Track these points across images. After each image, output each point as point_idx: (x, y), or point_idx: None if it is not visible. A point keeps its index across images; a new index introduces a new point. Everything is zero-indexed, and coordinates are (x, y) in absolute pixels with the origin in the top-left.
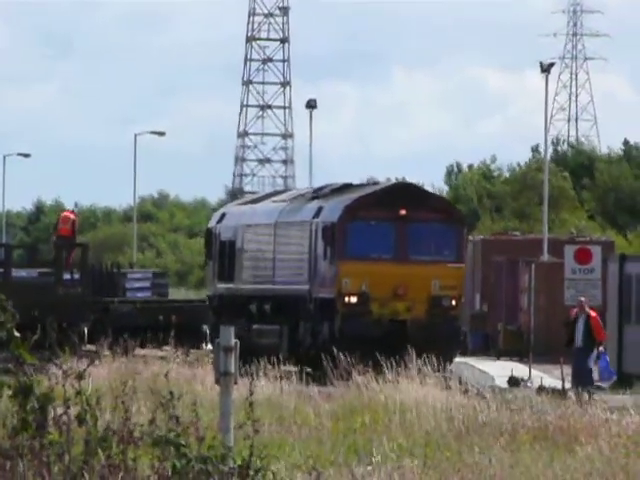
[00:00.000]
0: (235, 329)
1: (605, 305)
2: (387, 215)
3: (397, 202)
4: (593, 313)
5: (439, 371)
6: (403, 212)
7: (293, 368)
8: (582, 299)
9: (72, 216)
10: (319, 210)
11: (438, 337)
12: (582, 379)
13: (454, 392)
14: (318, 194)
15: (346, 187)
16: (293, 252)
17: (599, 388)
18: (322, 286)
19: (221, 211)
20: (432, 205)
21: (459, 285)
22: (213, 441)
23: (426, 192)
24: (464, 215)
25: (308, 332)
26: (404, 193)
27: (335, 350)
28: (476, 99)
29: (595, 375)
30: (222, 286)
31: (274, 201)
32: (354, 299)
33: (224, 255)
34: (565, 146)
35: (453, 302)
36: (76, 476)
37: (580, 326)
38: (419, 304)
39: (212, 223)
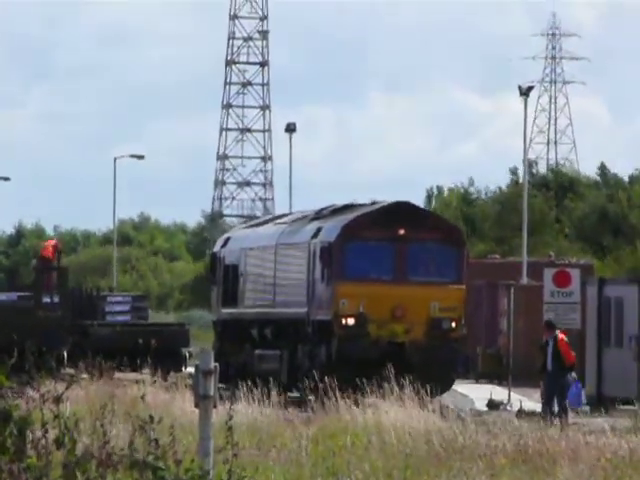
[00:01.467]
0: (240, 355)
1: (584, 328)
2: (385, 235)
3: (396, 221)
4: (561, 335)
5: (436, 395)
6: (402, 232)
7: (296, 394)
8: (551, 319)
9: (54, 242)
10: (318, 231)
11: (437, 360)
12: (551, 403)
13: (434, 415)
14: (319, 215)
15: (347, 207)
16: (292, 274)
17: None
18: (320, 308)
19: (226, 235)
20: (432, 224)
21: (459, 307)
22: (191, 464)
23: (426, 211)
24: (464, 235)
25: (306, 356)
26: (403, 212)
27: (330, 374)
28: (455, 122)
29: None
30: (226, 311)
31: (276, 224)
32: (351, 321)
33: (228, 280)
34: (541, 168)
35: (453, 324)
36: None
37: (550, 349)
38: (418, 326)
39: (217, 247)
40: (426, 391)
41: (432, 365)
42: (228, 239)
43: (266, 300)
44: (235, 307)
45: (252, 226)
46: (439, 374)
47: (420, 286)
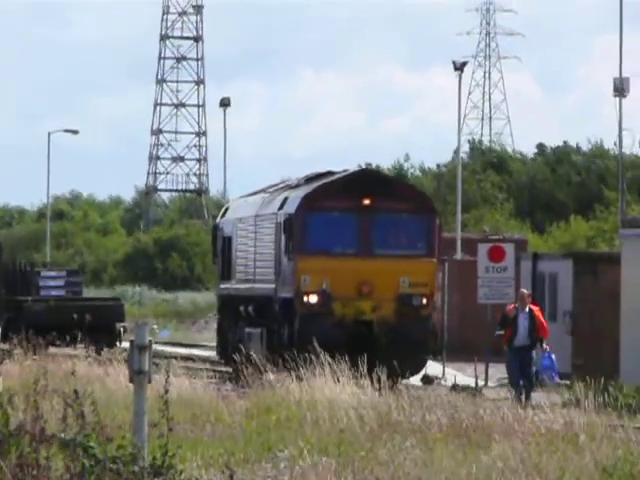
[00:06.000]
0: (236, 332)
1: None
2: (350, 205)
3: (361, 190)
4: (535, 307)
5: (407, 377)
6: (367, 201)
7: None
8: (525, 291)
9: None
10: (284, 201)
11: (408, 339)
12: (531, 379)
13: (368, 390)
14: (295, 184)
15: (321, 175)
16: (265, 248)
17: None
18: (284, 285)
19: (226, 205)
20: (400, 193)
21: (431, 282)
22: (123, 440)
23: (393, 179)
24: (435, 204)
25: (275, 335)
26: (368, 180)
27: (293, 354)
28: (386, 97)
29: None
30: (223, 286)
31: (266, 192)
32: (314, 298)
33: (224, 252)
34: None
35: (424, 301)
36: None
37: (524, 322)
38: (386, 303)
39: (218, 218)
40: (396, 373)
41: (402, 345)
42: (227, 209)
43: (249, 275)
44: (229, 282)
45: (248, 195)
46: (410, 354)
47: (388, 260)
